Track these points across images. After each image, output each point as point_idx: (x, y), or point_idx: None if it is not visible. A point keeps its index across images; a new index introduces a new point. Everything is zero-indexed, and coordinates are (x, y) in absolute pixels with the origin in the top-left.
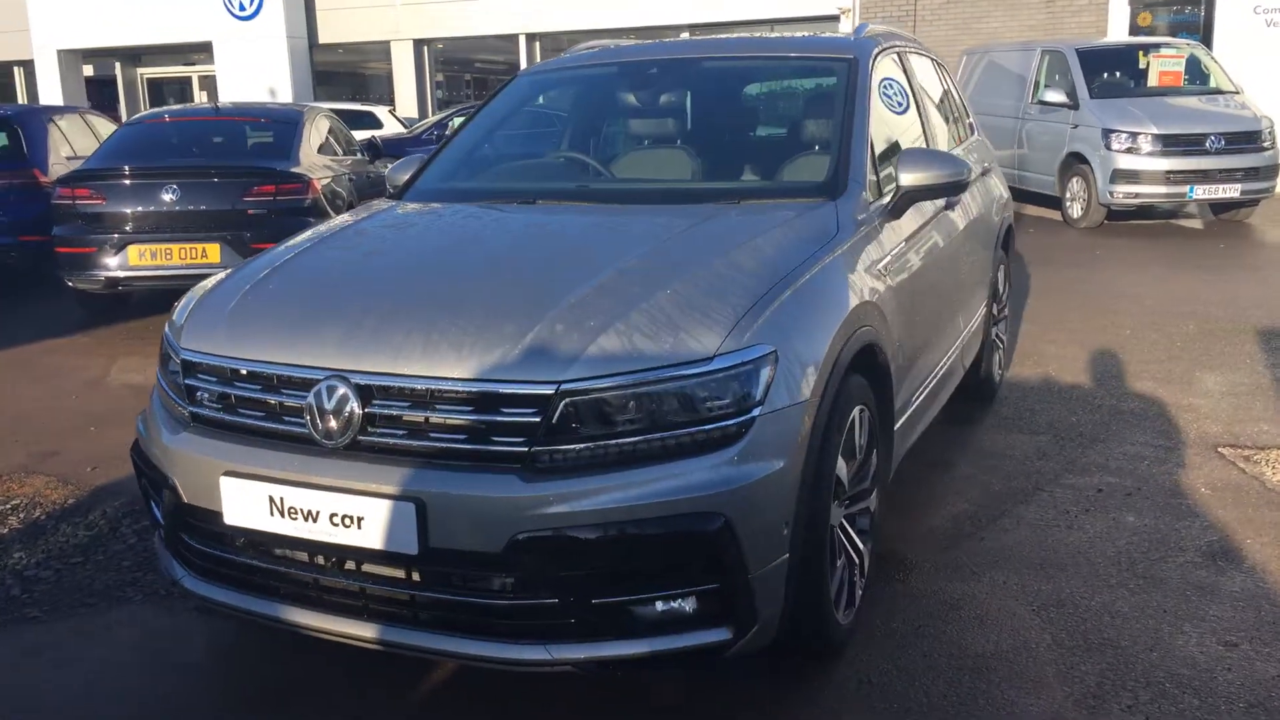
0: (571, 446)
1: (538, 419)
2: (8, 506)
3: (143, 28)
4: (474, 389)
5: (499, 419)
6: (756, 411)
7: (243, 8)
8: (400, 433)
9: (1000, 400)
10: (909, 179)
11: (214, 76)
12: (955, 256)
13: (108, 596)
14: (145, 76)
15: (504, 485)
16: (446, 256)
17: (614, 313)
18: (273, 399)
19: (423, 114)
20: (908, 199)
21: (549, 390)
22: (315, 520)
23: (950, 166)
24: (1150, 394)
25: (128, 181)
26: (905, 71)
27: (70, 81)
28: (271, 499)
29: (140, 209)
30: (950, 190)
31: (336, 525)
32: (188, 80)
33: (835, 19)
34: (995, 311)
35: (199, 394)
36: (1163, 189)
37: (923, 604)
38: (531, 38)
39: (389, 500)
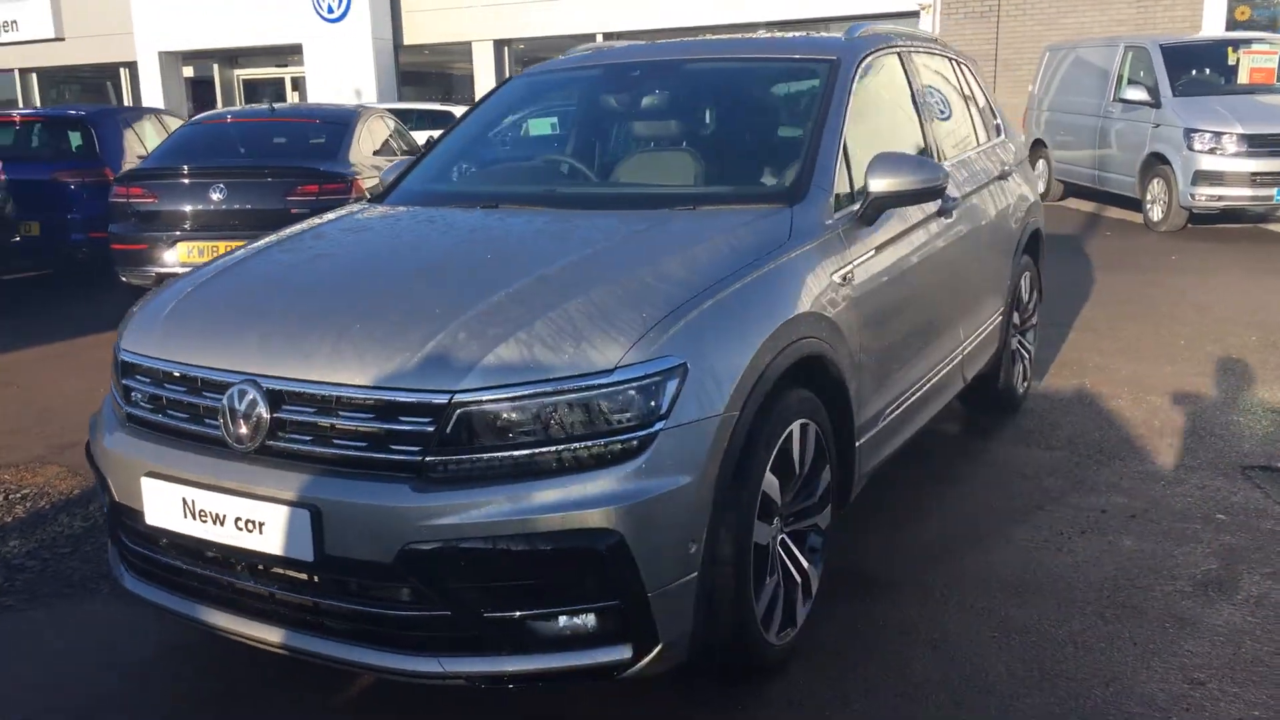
0: (465, 457)
1: (431, 428)
2: (17, 495)
3: (237, 30)
4: (373, 396)
5: (396, 428)
6: (659, 425)
7: (331, 10)
8: (306, 439)
9: (1024, 413)
10: (878, 185)
11: (305, 77)
12: (952, 263)
13: (84, 588)
14: (241, 78)
15: (395, 495)
16: (383, 261)
17: (519, 321)
18: (195, 401)
19: None
20: (876, 205)
21: (442, 400)
22: (222, 524)
23: (922, 172)
24: (1188, 409)
25: (179, 181)
26: (907, 73)
27: (171, 82)
28: (184, 500)
29: (190, 208)
30: (924, 196)
31: (241, 529)
32: (281, 81)
33: (915, 15)
34: (1019, 321)
35: (134, 395)
36: (1247, 191)
37: (881, 625)
38: (609, 37)
39: (286, 506)
